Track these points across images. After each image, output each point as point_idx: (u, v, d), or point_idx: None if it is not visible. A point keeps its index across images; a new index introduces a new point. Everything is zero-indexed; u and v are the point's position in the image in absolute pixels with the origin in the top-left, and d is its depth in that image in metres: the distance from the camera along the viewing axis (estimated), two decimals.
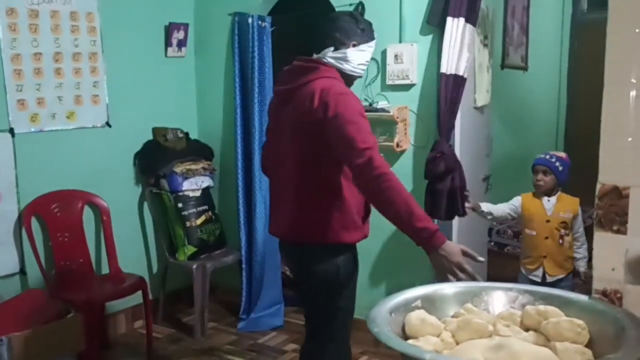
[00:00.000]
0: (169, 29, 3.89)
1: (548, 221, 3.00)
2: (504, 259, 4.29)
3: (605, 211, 1.31)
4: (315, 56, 2.10)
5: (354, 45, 2.09)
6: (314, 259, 2.08)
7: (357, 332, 2.44)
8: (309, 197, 2.05)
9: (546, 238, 2.98)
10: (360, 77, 2.20)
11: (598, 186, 1.31)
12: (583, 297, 1.42)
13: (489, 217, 3.13)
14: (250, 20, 3.64)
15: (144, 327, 3.52)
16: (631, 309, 1.34)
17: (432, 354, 1.17)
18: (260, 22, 3.66)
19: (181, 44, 3.99)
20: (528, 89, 5.35)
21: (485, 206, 3.10)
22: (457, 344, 1.30)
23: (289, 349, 3.52)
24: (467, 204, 3.04)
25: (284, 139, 2.10)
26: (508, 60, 4.80)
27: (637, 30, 1.26)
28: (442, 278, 1.73)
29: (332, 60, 2.07)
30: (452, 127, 3.02)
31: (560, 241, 2.98)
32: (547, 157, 3.06)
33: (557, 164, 3.03)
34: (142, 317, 3.58)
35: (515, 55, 4.93)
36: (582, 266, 3.05)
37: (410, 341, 1.27)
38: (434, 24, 3.09)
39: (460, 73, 2.94)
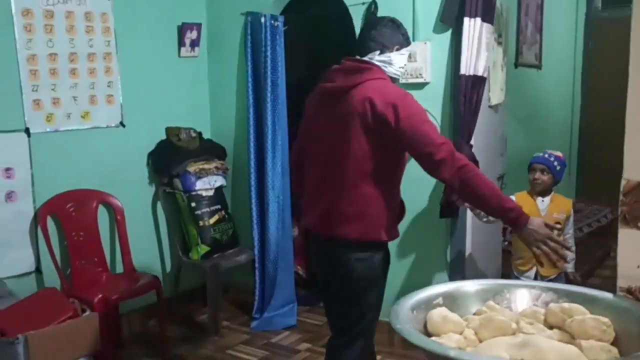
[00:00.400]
0: (182, 29, 3.90)
1: None
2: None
3: (630, 207, 1.29)
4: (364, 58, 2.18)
5: (397, 49, 2.20)
6: (354, 256, 2.12)
7: None
8: (357, 192, 2.09)
9: None
10: (399, 79, 2.30)
11: (623, 182, 1.29)
12: (608, 295, 1.39)
13: (484, 218, 2.94)
14: (262, 19, 3.64)
15: (158, 326, 3.53)
16: None
17: (457, 351, 1.16)
18: (272, 21, 3.66)
19: (194, 44, 4.00)
20: (542, 88, 5.31)
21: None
22: (480, 341, 1.28)
23: (302, 348, 3.52)
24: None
25: (331, 134, 2.14)
26: (522, 58, 4.76)
27: None
28: (535, 250, 1.88)
29: (378, 63, 2.17)
30: (474, 128, 2.98)
31: None
32: (546, 155, 3.04)
33: (555, 163, 3.02)
34: (156, 316, 3.59)
35: (529, 53, 4.90)
36: (570, 267, 3.04)
37: (432, 339, 1.26)
38: (448, 23, 3.07)
39: (480, 73, 2.92)
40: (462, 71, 2.90)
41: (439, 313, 1.33)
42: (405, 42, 2.25)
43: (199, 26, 3.98)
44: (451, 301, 1.39)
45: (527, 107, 4.92)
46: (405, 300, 1.34)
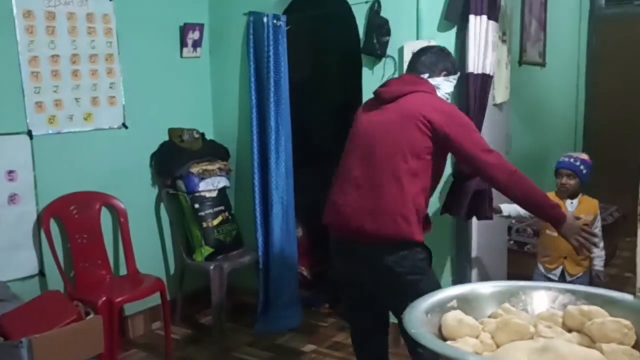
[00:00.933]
0: (184, 30, 3.88)
1: None
2: (524, 257, 4.23)
3: None
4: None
5: (445, 75, 2.40)
6: (398, 254, 2.21)
7: None
8: (403, 192, 2.18)
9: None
10: None
11: None
12: (628, 297, 1.35)
13: (511, 219, 3.11)
14: (265, 19, 3.62)
15: (162, 329, 3.52)
16: None
17: (475, 356, 1.13)
18: (275, 21, 3.64)
19: (196, 44, 3.98)
20: (546, 86, 5.28)
21: (506, 209, 3.02)
22: (497, 345, 1.25)
23: (307, 349, 3.50)
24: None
25: (381, 134, 2.25)
26: (526, 56, 4.74)
27: None
28: (574, 242, 2.20)
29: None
30: (481, 126, 2.97)
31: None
32: (571, 160, 3.08)
33: (582, 167, 3.06)
34: (160, 318, 3.58)
35: (533, 51, 4.87)
36: (599, 265, 3.07)
37: (448, 343, 1.23)
38: (453, 21, 3.04)
39: (487, 71, 2.90)
40: (470, 69, 2.88)
41: (454, 316, 1.29)
42: (452, 69, 2.44)
43: (201, 26, 3.96)
44: (465, 304, 1.36)
45: (531, 105, 4.89)
46: (419, 303, 1.31)
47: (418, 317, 1.24)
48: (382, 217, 2.19)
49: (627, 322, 1.24)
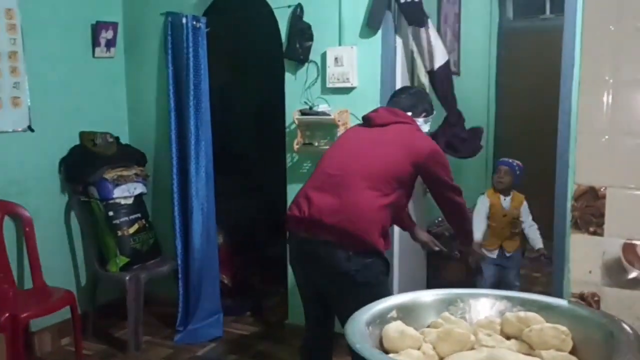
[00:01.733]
0: (97, 28, 3.69)
1: (505, 216, 3.62)
2: (442, 260, 4.35)
3: (581, 212, 1.30)
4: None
5: (424, 117, 2.55)
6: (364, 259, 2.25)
7: None
8: (373, 203, 2.24)
9: (502, 229, 3.63)
10: None
11: (574, 187, 1.30)
12: (563, 302, 1.39)
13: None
14: (184, 20, 3.51)
15: (73, 344, 3.31)
16: (609, 312, 1.33)
17: None
18: (194, 22, 3.54)
19: (110, 44, 3.80)
20: (461, 94, 5.44)
21: (478, 236, 3.45)
22: (439, 356, 1.24)
23: (229, 359, 3.42)
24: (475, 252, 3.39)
25: (364, 149, 2.36)
26: None
27: (611, 28, 1.26)
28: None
29: None
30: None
31: (514, 229, 3.63)
32: (510, 160, 3.70)
33: (517, 168, 3.66)
34: (71, 333, 3.37)
35: None
36: (539, 244, 3.61)
37: (391, 356, 1.20)
38: (375, 28, 3.08)
39: (440, 63, 3.20)
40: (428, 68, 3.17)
41: (396, 328, 1.27)
42: (430, 110, 2.58)
43: (114, 25, 3.79)
44: (405, 314, 1.34)
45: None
46: (359, 315, 1.28)
47: (360, 330, 1.21)
48: (353, 222, 2.21)
49: (564, 329, 1.27)
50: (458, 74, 5.31)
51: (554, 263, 2.91)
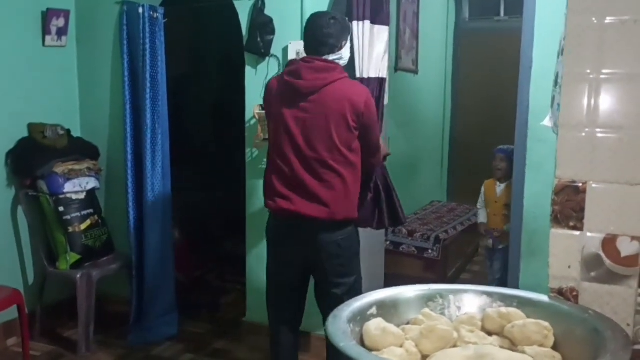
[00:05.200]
0: (47, 16, 3.53)
1: (496, 202, 3.78)
2: (400, 257, 4.39)
3: (562, 207, 1.30)
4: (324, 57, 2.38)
5: (344, 44, 2.43)
6: (345, 233, 2.41)
7: None
8: (340, 178, 2.34)
9: (494, 215, 3.79)
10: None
11: (555, 181, 1.30)
12: (543, 297, 1.39)
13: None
14: (140, 10, 3.40)
15: (20, 345, 3.17)
16: (587, 307, 1.34)
17: None
18: (152, 12, 3.43)
19: (61, 32, 3.64)
20: (419, 93, 5.54)
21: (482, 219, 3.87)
22: (422, 353, 1.23)
23: (185, 359, 3.33)
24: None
25: (310, 127, 2.32)
26: (401, 63, 4.92)
27: (594, 21, 1.26)
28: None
29: (336, 61, 2.40)
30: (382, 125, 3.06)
31: (503, 219, 3.70)
32: (505, 147, 3.77)
33: (512, 154, 3.65)
34: (17, 333, 3.23)
35: (407, 58, 5.07)
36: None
37: (375, 354, 1.17)
38: None
39: (375, 75, 2.89)
40: (358, 75, 2.88)
41: (377, 325, 1.24)
42: (348, 34, 2.47)
43: (66, 13, 3.64)
44: (385, 310, 1.32)
45: (405, 111, 5.09)
46: (340, 313, 1.25)
47: (342, 328, 1.17)
48: (333, 204, 2.33)
49: (546, 324, 1.27)
50: (416, 72, 5.37)
51: (510, 258, 2.95)
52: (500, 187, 3.78)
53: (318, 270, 2.48)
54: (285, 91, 2.39)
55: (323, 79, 2.32)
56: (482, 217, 3.93)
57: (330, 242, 2.38)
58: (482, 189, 3.92)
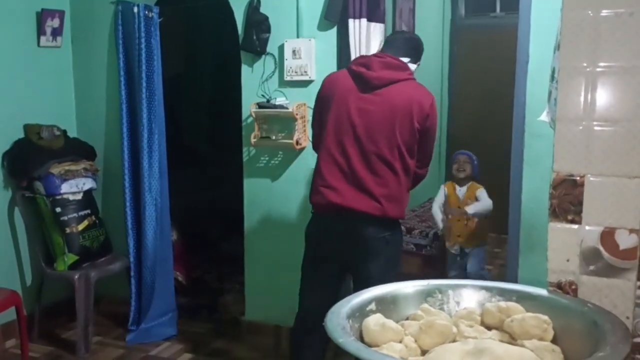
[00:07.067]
0: (42, 16, 3.52)
1: (459, 207, 3.69)
2: None
3: (560, 200, 1.30)
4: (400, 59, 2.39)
5: (418, 65, 2.50)
6: (394, 231, 2.39)
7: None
8: (396, 176, 2.32)
9: (458, 220, 3.69)
10: None
11: (552, 175, 1.30)
12: (542, 291, 1.38)
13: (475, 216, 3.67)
14: (135, 9, 3.39)
15: (19, 347, 3.15)
16: (586, 300, 1.33)
17: None
18: (147, 12, 3.42)
19: (56, 32, 3.63)
20: None
21: (470, 209, 3.61)
22: (421, 348, 1.22)
23: (184, 359, 3.33)
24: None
25: (373, 118, 2.29)
26: None
27: (590, 13, 1.26)
28: None
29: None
30: None
31: (466, 222, 3.67)
32: (466, 151, 3.80)
33: (474, 158, 3.78)
34: (16, 335, 3.22)
35: None
36: (471, 210, 3.63)
37: (375, 349, 1.17)
38: (332, 21, 3.05)
39: None
40: None
41: (376, 321, 1.24)
42: (420, 59, 2.55)
43: (61, 13, 3.63)
44: (384, 306, 1.32)
45: None
46: (339, 308, 1.24)
47: (341, 324, 1.17)
48: (386, 201, 2.30)
49: (545, 318, 1.26)
50: None
51: (509, 253, 2.94)
52: (461, 191, 3.70)
53: (359, 268, 2.39)
54: (352, 81, 2.36)
55: (392, 75, 2.32)
56: (439, 222, 3.76)
57: (377, 237, 2.33)
58: (441, 191, 3.80)
